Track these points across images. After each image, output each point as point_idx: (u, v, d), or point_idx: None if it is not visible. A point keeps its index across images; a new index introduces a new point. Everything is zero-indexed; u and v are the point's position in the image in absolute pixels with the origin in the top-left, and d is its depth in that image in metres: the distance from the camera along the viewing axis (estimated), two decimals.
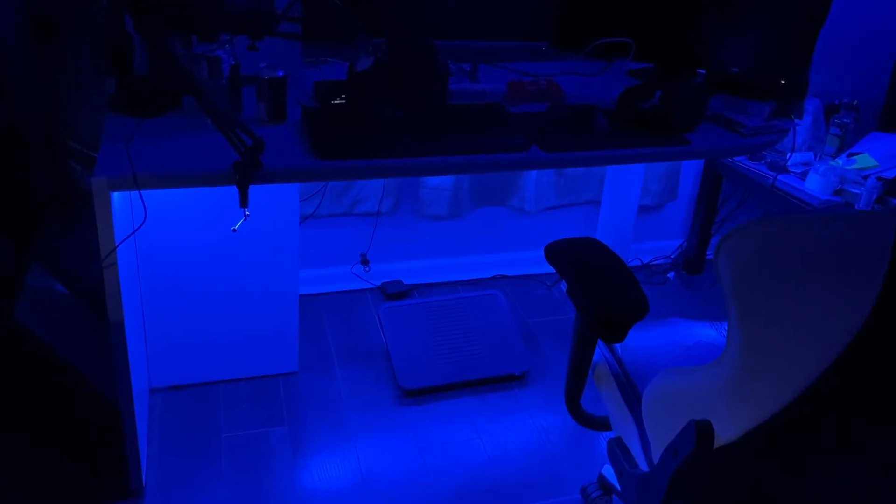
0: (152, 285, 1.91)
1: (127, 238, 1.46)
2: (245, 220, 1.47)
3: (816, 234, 0.77)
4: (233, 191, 1.79)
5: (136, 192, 1.39)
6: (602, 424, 1.42)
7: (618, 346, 1.45)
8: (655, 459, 1.20)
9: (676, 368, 1.09)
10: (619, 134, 1.68)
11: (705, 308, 2.60)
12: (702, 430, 1.00)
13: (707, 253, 2.80)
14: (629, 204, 2.16)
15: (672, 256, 2.85)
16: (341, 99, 1.78)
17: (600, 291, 1.20)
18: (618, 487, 1.70)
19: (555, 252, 1.33)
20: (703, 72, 1.98)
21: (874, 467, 1.01)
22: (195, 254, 1.91)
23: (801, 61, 1.86)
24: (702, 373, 1.00)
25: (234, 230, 1.50)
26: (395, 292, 2.50)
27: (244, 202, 1.43)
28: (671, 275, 2.77)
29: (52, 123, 2.00)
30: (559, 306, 2.55)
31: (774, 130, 1.82)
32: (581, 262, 1.30)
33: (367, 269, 2.53)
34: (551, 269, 2.75)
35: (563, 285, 1.27)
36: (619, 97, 1.84)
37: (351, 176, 1.48)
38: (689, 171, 2.75)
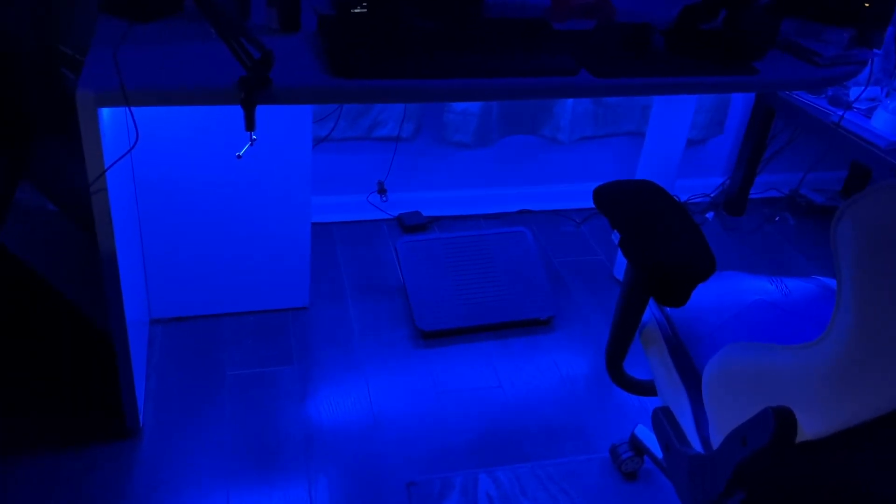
0: (152, 210, 1.75)
1: (116, 162, 1.29)
2: (251, 144, 1.29)
3: None
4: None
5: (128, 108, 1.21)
6: (647, 389, 1.27)
7: None
8: (712, 439, 1.06)
9: (753, 343, 0.93)
10: (679, 59, 1.48)
11: (746, 254, 2.42)
12: (782, 420, 0.84)
13: (750, 193, 2.61)
14: (677, 137, 1.96)
15: (712, 195, 2.66)
16: (363, 7, 1.57)
17: (662, 247, 1.03)
18: (651, 450, 1.57)
19: (606, 196, 1.16)
20: None
21: None
22: (199, 177, 1.74)
23: None
24: (791, 353, 0.84)
25: (238, 156, 1.33)
26: (413, 224, 2.34)
27: (250, 125, 1.25)
28: (710, 215, 2.58)
29: (44, 26, 1.81)
30: (588, 246, 2.38)
31: (854, 61, 1.60)
32: (638, 209, 1.12)
33: (384, 198, 2.36)
34: (581, 206, 2.58)
35: (615, 236, 1.10)
36: (678, 17, 1.62)
37: (373, 99, 1.29)
38: (739, 103, 2.53)
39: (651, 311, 1.26)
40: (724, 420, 0.99)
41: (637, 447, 1.61)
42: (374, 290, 2.10)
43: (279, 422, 1.67)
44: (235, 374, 1.79)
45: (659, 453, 1.55)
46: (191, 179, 1.74)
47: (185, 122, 1.67)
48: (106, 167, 1.24)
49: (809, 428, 0.83)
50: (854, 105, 2.15)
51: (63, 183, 1.84)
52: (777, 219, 2.62)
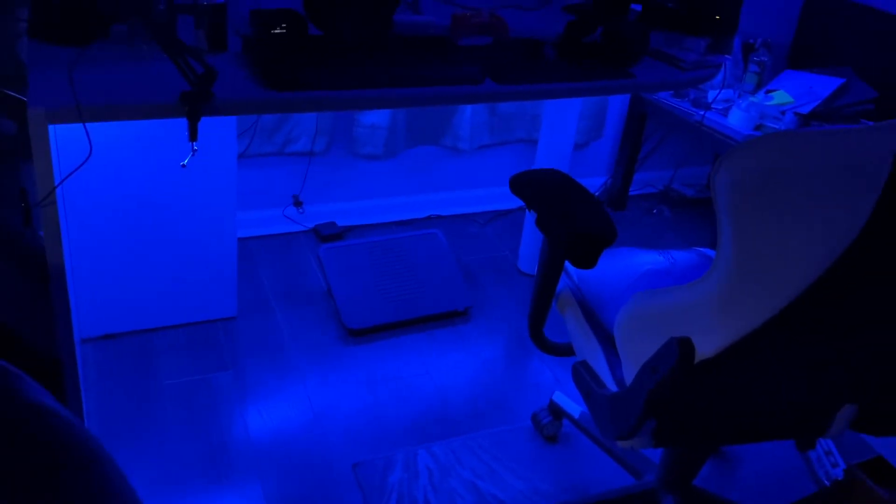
0: (78, 227, 1.79)
1: (69, 176, 1.36)
2: (193, 154, 1.40)
3: (817, 148, 0.81)
4: (164, 125, 1.70)
5: (62, 126, 1.29)
6: (565, 350, 1.46)
7: (574, 274, 1.49)
8: (626, 379, 1.25)
9: (653, 290, 1.13)
10: (570, 67, 1.69)
11: (631, 244, 2.69)
12: (683, 346, 1.04)
13: (630, 189, 2.90)
14: (566, 141, 2.19)
15: (597, 194, 2.93)
16: (282, 28, 1.70)
17: (574, 217, 1.22)
18: (569, 412, 1.77)
19: (521, 182, 1.34)
20: (640, 7, 2.02)
21: (852, 377, 1.09)
22: (125, 194, 1.80)
23: None
24: (685, 291, 1.04)
25: (183, 165, 1.43)
26: (329, 234, 2.46)
27: (194, 135, 1.35)
28: None
29: None
30: (493, 244, 2.58)
31: (710, 65, 1.87)
32: (549, 190, 1.31)
33: (300, 210, 2.47)
34: (484, 208, 2.78)
35: (531, 215, 1.28)
36: (564, 31, 1.85)
37: (306, 108, 1.43)
38: (615, 109, 2.81)
39: (564, 281, 1.45)
40: (636, 358, 1.18)
41: (556, 412, 1.80)
42: (298, 298, 2.20)
43: (223, 425, 1.75)
44: (173, 383, 1.85)
45: (575, 414, 1.75)
46: (117, 196, 1.79)
47: (109, 138, 1.73)
48: (56, 182, 1.31)
49: (705, 348, 1.03)
50: (713, 106, 2.46)
51: None
52: (655, 211, 2.92)
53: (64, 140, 1.54)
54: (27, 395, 0.62)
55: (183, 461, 1.64)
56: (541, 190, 1.31)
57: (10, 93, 1.77)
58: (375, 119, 2.35)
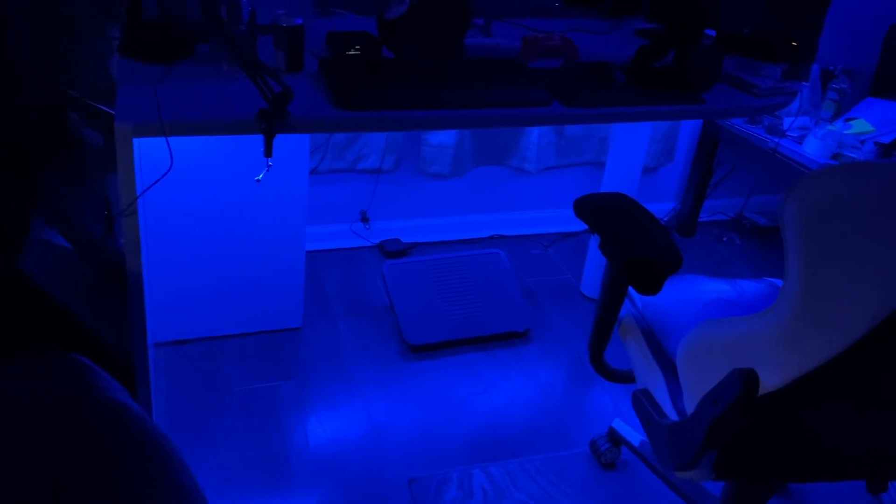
0: (156, 236, 1.88)
1: (149, 188, 1.42)
2: (268, 169, 1.45)
3: (890, 180, 0.79)
4: (240, 141, 1.76)
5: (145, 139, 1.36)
6: (625, 377, 1.44)
7: (638, 301, 1.48)
8: (688, 409, 1.23)
9: (718, 319, 1.11)
10: (639, 91, 1.69)
11: (699, 271, 2.64)
12: (747, 378, 1.02)
13: (700, 216, 2.84)
14: (635, 165, 2.17)
15: (665, 219, 2.89)
16: (356, 50, 1.75)
17: (638, 243, 1.21)
18: (628, 440, 1.74)
19: (586, 205, 1.34)
20: (714, 33, 1.99)
21: None
22: (201, 206, 1.87)
23: (814, 22, 1.88)
24: (750, 322, 1.02)
25: (257, 180, 1.48)
26: (393, 251, 2.50)
27: (269, 151, 1.40)
28: None
29: (51, 71, 1.93)
30: (556, 267, 2.57)
31: (786, 92, 1.84)
32: (613, 214, 1.30)
33: (367, 226, 2.52)
34: (548, 230, 2.78)
35: (595, 239, 1.28)
36: (635, 55, 1.84)
37: (378, 128, 1.47)
38: (686, 133, 2.78)
39: (626, 307, 1.44)
40: (698, 389, 1.16)
41: (615, 439, 1.77)
42: (361, 311, 2.24)
43: (284, 431, 1.79)
44: (238, 390, 1.90)
45: (635, 442, 1.73)
46: (193, 208, 1.87)
47: (189, 152, 1.80)
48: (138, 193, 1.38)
49: (769, 381, 1.01)
50: (787, 133, 2.40)
51: (71, 217, 1.95)
52: (725, 239, 2.86)
53: (147, 152, 1.62)
54: (106, 392, 0.65)
55: (244, 467, 1.69)
56: (605, 213, 1.31)
57: (100, 107, 1.87)
58: (443, 138, 2.39)
